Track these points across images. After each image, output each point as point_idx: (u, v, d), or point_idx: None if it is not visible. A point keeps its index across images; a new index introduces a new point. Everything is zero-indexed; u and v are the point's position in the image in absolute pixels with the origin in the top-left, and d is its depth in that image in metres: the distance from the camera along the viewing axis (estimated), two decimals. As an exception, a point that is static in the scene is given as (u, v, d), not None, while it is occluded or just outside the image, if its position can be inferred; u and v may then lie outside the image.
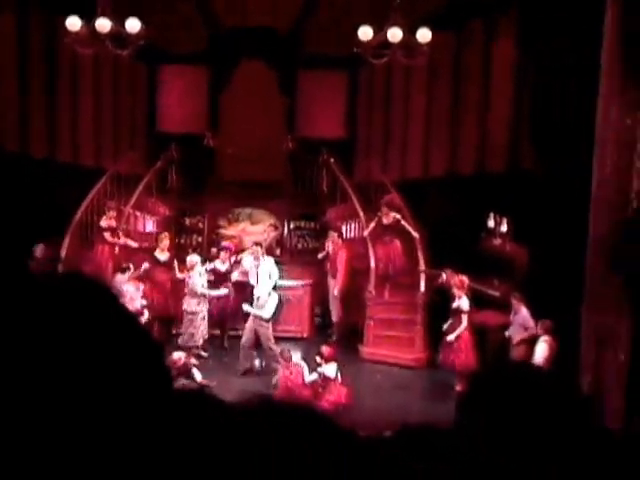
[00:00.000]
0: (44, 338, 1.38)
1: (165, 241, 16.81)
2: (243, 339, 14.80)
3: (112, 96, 19.75)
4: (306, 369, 13.00)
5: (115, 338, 1.46)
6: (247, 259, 16.11)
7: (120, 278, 15.33)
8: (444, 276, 14.56)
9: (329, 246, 17.59)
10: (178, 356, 13.15)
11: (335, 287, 17.19)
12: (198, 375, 13.33)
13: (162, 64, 20.34)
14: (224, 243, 17.11)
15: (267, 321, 14.87)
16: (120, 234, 16.60)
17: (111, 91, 19.72)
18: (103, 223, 16.59)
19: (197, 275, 15.59)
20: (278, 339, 16.23)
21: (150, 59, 19.63)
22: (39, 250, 15.64)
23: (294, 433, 1.53)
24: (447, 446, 1.88)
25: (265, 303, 14.82)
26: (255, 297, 14.87)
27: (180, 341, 15.41)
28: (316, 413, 1.65)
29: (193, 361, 14.81)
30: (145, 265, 15.97)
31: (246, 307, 14.92)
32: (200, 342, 15.53)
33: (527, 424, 1.87)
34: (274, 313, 15.10)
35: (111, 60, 18.27)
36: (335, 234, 17.65)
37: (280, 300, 15.41)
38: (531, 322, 13.67)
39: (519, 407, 1.91)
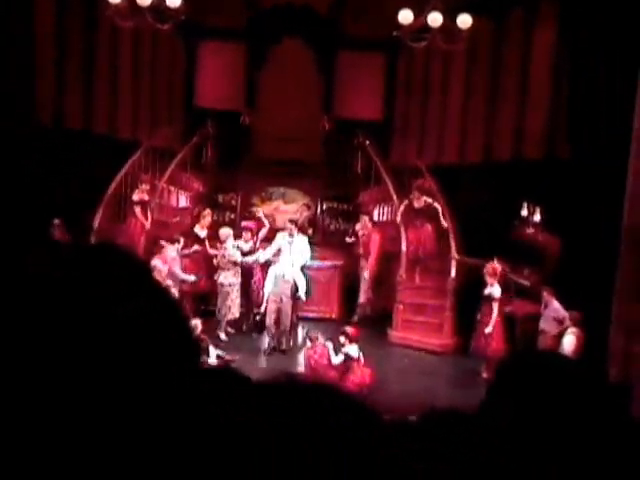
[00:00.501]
0: (66, 306, 1.41)
1: (207, 218, 17.05)
2: (268, 320, 14.95)
3: (150, 70, 19.72)
4: (332, 350, 13.00)
5: (143, 310, 1.49)
6: (281, 236, 16.19)
7: (170, 250, 15.42)
8: (496, 263, 14.49)
9: (360, 230, 17.64)
10: (194, 323, 13.08)
11: (366, 270, 17.27)
12: (213, 352, 13.42)
13: (201, 40, 20.27)
14: (245, 223, 17.08)
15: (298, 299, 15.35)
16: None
17: (149, 65, 19.70)
18: (135, 197, 16.72)
19: (231, 246, 15.83)
20: (307, 320, 16.49)
21: (189, 34, 19.62)
22: (56, 226, 15.71)
23: (314, 413, 1.54)
24: (470, 434, 1.83)
25: (293, 280, 15.07)
26: (279, 274, 15.02)
27: (218, 316, 15.65)
28: (340, 392, 1.65)
29: (223, 337, 15.17)
30: (196, 247, 16.27)
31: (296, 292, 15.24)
32: (237, 315, 15.73)
33: (554, 411, 1.88)
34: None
35: (150, 34, 18.38)
36: (366, 217, 17.73)
37: (307, 279, 15.67)
38: (564, 314, 13.66)
39: (547, 394, 1.91)
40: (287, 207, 19.20)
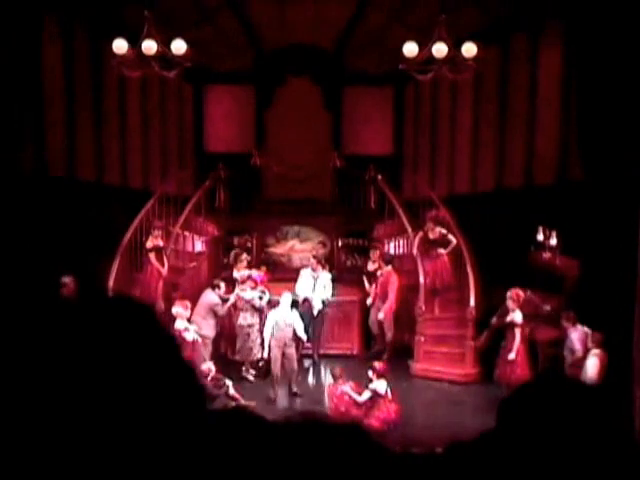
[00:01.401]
0: (70, 357, 1.49)
1: (244, 262, 17.11)
2: (274, 367, 14.79)
3: (159, 118, 19.88)
4: (352, 391, 12.78)
5: (147, 361, 1.57)
6: (305, 271, 16.76)
7: (209, 295, 15.58)
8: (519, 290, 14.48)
9: (374, 269, 17.54)
10: (207, 367, 13.40)
11: (382, 311, 17.02)
12: (232, 389, 13.56)
13: (208, 84, 20.41)
14: (254, 274, 16.84)
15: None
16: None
17: (158, 113, 19.83)
18: (149, 243, 16.78)
19: (250, 288, 16.00)
20: (328, 357, 16.67)
21: (196, 79, 19.74)
22: (67, 282, 15.24)
23: (333, 450, 1.61)
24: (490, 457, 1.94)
25: (293, 323, 15.10)
26: (280, 319, 14.94)
27: (238, 357, 15.77)
28: (361, 432, 1.72)
29: (250, 378, 15.43)
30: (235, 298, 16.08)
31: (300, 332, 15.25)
32: (258, 356, 15.64)
33: (562, 438, 1.89)
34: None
35: (157, 81, 18.51)
36: (377, 252, 17.75)
37: (302, 317, 15.67)
38: (578, 345, 13.71)
39: (556, 422, 1.93)
40: (302, 246, 19.21)
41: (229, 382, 13.62)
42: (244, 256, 17.39)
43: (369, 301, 17.46)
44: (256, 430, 1.69)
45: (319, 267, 17.13)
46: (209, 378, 13.22)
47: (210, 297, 15.57)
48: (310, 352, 16.99)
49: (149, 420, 1.49)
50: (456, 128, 19.59)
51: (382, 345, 17.18)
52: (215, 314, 15.43)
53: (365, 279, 17.74)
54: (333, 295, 17.14)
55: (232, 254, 18.06)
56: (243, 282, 16.12)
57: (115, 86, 18.61)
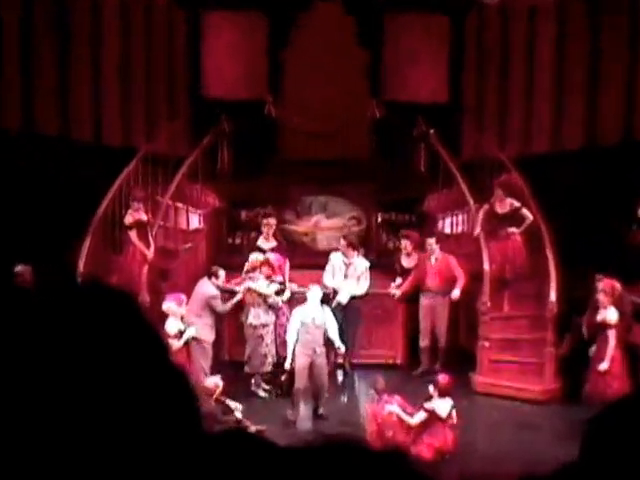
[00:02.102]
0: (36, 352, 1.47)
1: (267, 228, 17.14)
2: (299, 381, 14.41)
3: (143, 54, 19.94)
4: (400, 410, 12.38)
5: (124, 365, 1.54)
6: (336, 256, 16.57)
7: (205, 286, 15.36)
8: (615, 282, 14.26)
9: (431, 254, 17.09)
10: (214, 382, 13.12)
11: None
12: (233, 403, 13.24)
13: (206, 9, 20.39)
14: (271, 256, 16.69)
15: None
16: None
17: (142, 47, 19.89)
18: (128, 218, 16.52)
19: (262, 278, 15.78)
20: (364, 366, 16.54)
21: (191, 3, 19.88)
22: (23, 271, 14.94)
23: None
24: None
25: (325, 325, 14.75)
26: (308, 318, 14.55)
27: (248, 368, 15.59)
28: (407, 463, 1.67)
29: (262, 394, 15.46)
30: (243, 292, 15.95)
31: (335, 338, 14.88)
32: (270, 367, 15.59)
33: None
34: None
35: (141, 6, 18.73)
36: (432, 240, 17.18)
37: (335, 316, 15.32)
38: None
39: None
40: (330, 222, 19.23)
41: (235, 404, 13.28)
42: (267, 220, 17.24)
43: (397, 293, 17.17)
44: (261, 458, 1.64)
45: (352, 251, 16.74)
46: (214, 397, 12.95)
47: (205, 288, 15.33)
48: (341, 361, 16.76)
49: (124, 441, 1.48)
50: (534, 68, 19.67)
51: (431, 363, 16.81)
52: (213, 310, 15.19)
53: (400, 280, 17.40)
54: (369, 290, 16.78)
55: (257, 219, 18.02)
56: (254, 269, 15.92)
57: (87, 13, 18.75)
